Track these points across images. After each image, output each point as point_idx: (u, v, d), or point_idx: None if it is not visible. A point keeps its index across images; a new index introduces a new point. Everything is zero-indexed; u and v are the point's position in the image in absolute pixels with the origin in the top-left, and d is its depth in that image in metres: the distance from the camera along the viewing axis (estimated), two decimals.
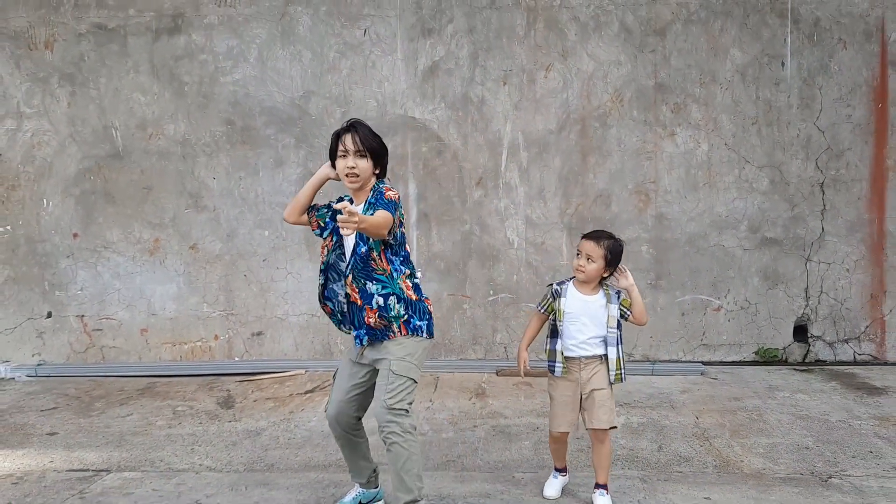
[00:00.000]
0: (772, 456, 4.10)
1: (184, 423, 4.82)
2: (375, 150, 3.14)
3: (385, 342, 3.10)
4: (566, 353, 3.41)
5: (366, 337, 3.12)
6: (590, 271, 3.34)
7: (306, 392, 5.45)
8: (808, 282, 5.98)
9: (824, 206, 5.95)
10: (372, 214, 2.93)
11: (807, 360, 5.98)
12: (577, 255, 3.39)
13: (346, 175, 3.11)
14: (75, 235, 6.15)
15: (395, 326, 3.09)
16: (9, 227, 6.15)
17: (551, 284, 3.52)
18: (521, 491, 3.65)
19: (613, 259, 3.35)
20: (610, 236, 3.41)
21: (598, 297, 3.38)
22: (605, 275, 3.40)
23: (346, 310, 3.20)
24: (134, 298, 6.16)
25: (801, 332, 6.02)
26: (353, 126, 3.14)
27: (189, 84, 6.06)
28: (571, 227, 6.00)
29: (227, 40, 6.04)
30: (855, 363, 5.96)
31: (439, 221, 6.05)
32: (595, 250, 3.33)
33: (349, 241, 3.12)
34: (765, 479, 3.80)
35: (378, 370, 3.13)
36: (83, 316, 6.18)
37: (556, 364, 3.42)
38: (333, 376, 3.38)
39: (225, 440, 4.49)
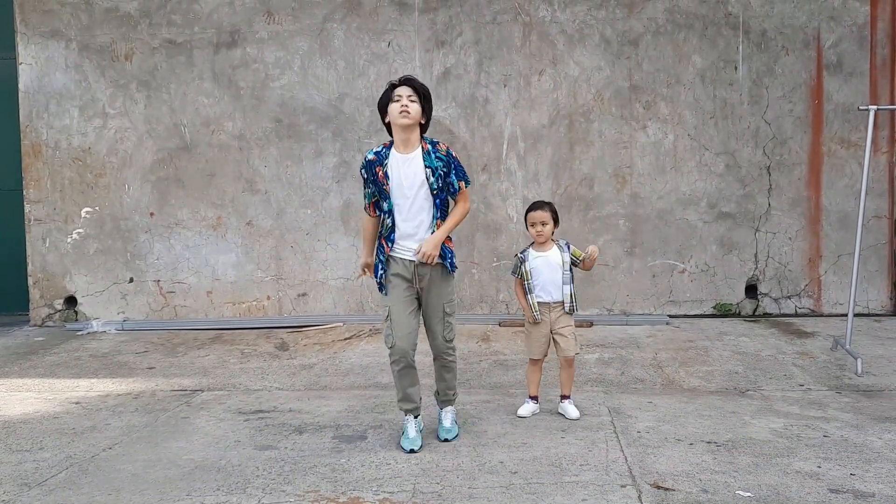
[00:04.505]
0: (707, 378, 5.35)
1: (251, 361, 6.13)
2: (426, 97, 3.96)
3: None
4: (538, 300, 4.44)
5: None
6: (546, 233, 4.39)
7: (345, 339, 6.74)
8: (758, 248, 7.20)
9: (770, 185, 7.16)
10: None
11: (756, 314, 7.22)
12: (532, 225, 4.39)
13: (399, 112, 3.85)
14: (152, 214, 7.46)
15: None
16: (97, 208, 7.47)
17: (517, 255, 4.50)
18: (513, 400, 4.89)
19: (556, 217, 4.44)
20: (546, 202, 4.47)
21: (553, 251, 4.45)
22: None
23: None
24: (201, 266, 7.47)
25: (751, 290, 7.25)
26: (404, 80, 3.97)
27: (244, 88, 7.33)
28: (561, 205, 7.17)
29: (275, 52, 7.29)
30: (796, 315, 7.19)
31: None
32: (545, 216, 4.38)
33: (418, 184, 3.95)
34: (697, 391, 5.05)
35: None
36: (159, 281, 7.50)
37: (535, 313, 4.46)
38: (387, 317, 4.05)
39: (286, 371, 5.80)
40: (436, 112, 7.24)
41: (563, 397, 4.61)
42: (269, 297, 7.45)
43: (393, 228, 3.99)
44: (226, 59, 7.32)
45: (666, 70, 7.11)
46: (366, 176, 4.03)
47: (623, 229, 7.24)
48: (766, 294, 7.22)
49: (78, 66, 7.37)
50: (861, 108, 5.58)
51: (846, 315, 5.65)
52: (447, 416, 4.25)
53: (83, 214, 7.45)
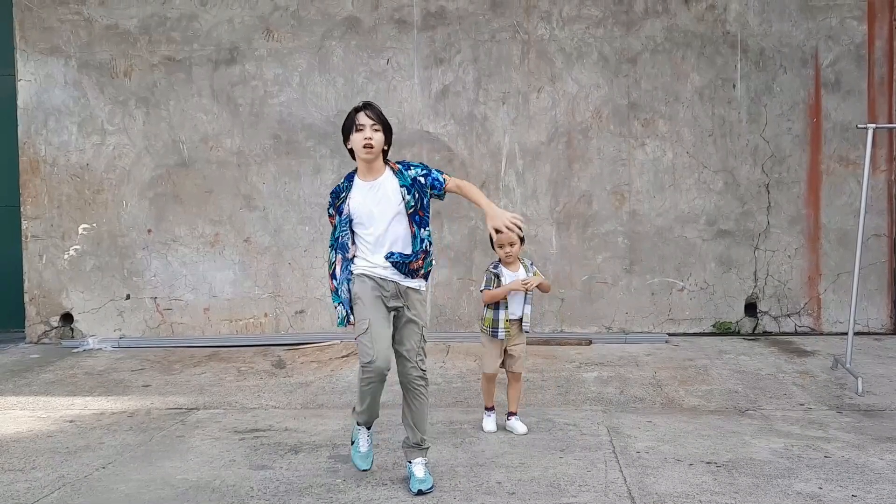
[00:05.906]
0: (707, 397, 5.31)
1: (248, 379, 6.08)
2: (387, 126, 3.69)
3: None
4: (511, 317, 4.44)
5: None
6: (514, 253, 4.42)
7: (342, 357, 6.70)
8: (757, 266, 7.18)
9: (769, 203, 7.15)
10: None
11: (756, 332, 7.18)
12: (500, 246, 4.37)
13: (363, 146, 3.61)
14: (149, 231, 7.44)
15: None
16: (94, 225, 7.44)
17: (489, 269, 4.47)
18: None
19: (523, 237, 4.42)
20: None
21: (521, 271, 4.47)
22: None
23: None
24: (198, 283, 7.44)
25: (751, 308, 7.22)
26: (367, 104, 3.67)
27: (243, 105, 7.34)
28: (560, 222, 7.23)
29: (274, 69, 7.30)
30: (795, 334, 7.16)
31: (450, 218, 7.29)
32: (513, 237, 4.28)
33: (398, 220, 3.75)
34: (697, 411, 5.01)
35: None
36: (156, 298, 7.47)
37: (500, 329, 4.41)
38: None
39: (283, 389, 5.75)
40: (434, 129, 7.30)
41: (511, 414, 4.64)
42: (266, 315, 7.41)
43: (362, 253, 3.77)
44: (225, 76, 7.33)
45: (664, 88, 7.12)
46: (332, 213, 3.83)
47: (622, 247, 7.22)
48: (765, 312, 7.19)
49: (77, 83, 7.37)
50: (860, 126, 5.58)
51: (846, 334, 5.62)
52: (418, 467, 3.74)
53: (80, 231, 7.43)
